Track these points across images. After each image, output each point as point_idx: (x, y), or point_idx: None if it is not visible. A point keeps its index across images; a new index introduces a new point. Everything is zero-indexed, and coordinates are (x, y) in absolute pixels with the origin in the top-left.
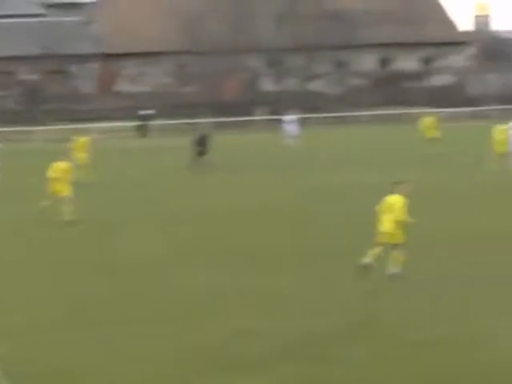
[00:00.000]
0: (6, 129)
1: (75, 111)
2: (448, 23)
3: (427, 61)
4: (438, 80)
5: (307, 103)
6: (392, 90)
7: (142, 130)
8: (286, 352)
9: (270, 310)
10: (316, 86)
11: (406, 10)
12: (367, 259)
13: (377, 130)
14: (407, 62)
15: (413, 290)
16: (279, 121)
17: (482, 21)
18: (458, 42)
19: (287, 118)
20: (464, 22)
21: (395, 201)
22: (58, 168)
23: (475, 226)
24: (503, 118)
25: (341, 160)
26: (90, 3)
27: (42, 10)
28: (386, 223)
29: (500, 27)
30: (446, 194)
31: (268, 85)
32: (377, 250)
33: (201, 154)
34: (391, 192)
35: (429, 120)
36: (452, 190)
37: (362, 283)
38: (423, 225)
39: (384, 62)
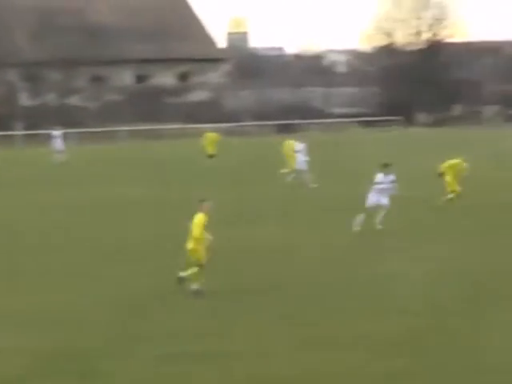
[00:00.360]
0: None
1: None
2: (207, 40)
3: (185, 77)
4: (196, 96)
5: (66, 118)
6: (150, 106)
7: None
8: (41, 368)
9: (21, 326)
10: (74, 100)
11: (165, 26)
12: (194, 286)
13: (135, 146)
14: (165, 78)
15: (185, 303)
16: (39, 136)
17: (240, 37)
18: (215, 58)
19: (54, 132)
20: (224, 39)
21: (195, 219)
22: None
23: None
24: (259, 134)
25: (102, 175)
26: None
27: None
28: (190, 240)
29: (258, 44)
30: (245, 208)
31: (25, 99)
32: (193, 271)
33: None
34: (197, 210)
35: (211, 136)
36: (249, 206)
37: (126, 299)
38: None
39: (142, 78)
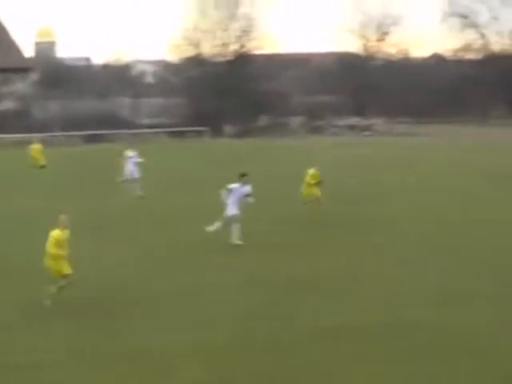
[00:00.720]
0: None
1: None
2: (13, 49)
3: None
4: (3, 106)
5: None
6: None
7: None
8: None
9: None
10: None
11: None
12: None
13: None
14: None
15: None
16: None
17: (47, 47)
18: (22, 67)
19: None
20: (31, 49)
21: (51, 236)
22: None
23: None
24: (67, 144)
25: None
26: None
27: None
28: (46, 257)
29: (65, 54)
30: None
31: None
32: (60, 284)
33: None
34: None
35: (37, 147)
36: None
37: None
38: None
39: None
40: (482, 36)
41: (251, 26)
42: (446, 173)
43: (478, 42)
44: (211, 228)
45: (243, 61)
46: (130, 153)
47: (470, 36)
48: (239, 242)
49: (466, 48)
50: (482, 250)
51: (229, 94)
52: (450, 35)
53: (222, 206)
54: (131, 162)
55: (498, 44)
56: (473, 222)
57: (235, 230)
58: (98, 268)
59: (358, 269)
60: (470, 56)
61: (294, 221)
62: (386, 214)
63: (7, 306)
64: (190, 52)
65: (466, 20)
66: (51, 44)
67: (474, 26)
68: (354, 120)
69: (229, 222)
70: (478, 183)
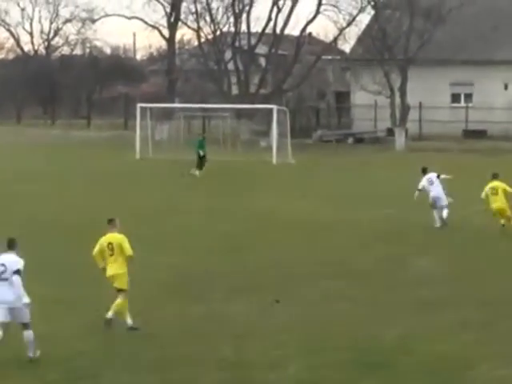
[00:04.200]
0: None
1: None
2: None
3: None
4: None
5: None
6: None
7: None
8: None
9: None
10: None
11: None
12: None
13: None
14: None
15: None
16: None
17: None
18: None
19: None
20: None
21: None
22: None
23: None
24: None
25: None
26: None
27: None
28: None
29: None
30: None
31: None
32: None
33: None
34: None
35: None
36: None
37: None
38: None
39: None
40: (14, 35)
41: None
42: None
43: (10, 42)
44: None
45: None
46: None
47: (2, 35)
48: None
49: None
50: None
51: None
52: None
53: None
54: None
55: (29, 44)
56: None
57: None
58: None
59: None
60: (2, 56)
61: None
62: None
63: None
64: None
65: None
66: None
67: (6, 25)
68: None
69: None
70: None
